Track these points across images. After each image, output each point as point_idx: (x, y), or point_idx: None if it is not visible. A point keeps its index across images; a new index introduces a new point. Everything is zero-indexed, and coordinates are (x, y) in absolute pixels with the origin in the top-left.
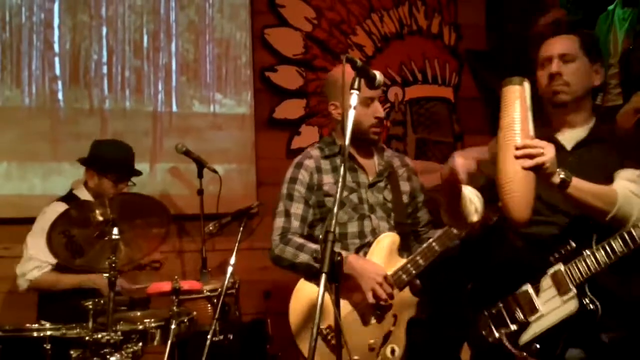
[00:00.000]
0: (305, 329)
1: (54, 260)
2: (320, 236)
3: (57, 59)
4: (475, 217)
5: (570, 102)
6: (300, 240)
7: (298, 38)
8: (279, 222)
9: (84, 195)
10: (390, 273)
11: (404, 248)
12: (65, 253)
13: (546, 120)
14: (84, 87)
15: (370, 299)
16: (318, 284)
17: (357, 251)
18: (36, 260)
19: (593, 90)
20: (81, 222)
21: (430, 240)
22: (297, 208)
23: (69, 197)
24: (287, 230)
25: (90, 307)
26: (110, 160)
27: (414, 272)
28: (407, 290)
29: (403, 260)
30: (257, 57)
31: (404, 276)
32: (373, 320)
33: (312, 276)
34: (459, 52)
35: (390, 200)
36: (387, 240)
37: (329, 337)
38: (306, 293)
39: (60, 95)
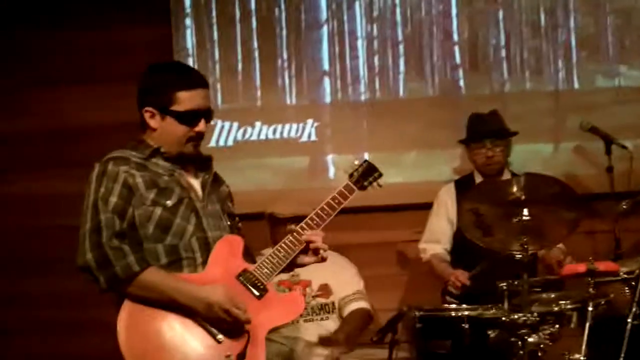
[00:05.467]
0: None
1: (446, 243)
2: None
3: (456, 48)
4: None
5: None
6: None
7: None
8: None
9: (476, 174)
10: None
11: None
12: (475, 231)
13: None
14: (483, 73)
15: None
16: None
17: None
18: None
19: None
20: (491, 201)
21: None
22: None
23: (459, 180)
24: None
25: (505, 288)
26: (476, 128)
27: None
28: None
29: None
30: None
31: None
32: None
33: None
34: None
35: None
36: None
37: None
38: None
39: (461, 83)
